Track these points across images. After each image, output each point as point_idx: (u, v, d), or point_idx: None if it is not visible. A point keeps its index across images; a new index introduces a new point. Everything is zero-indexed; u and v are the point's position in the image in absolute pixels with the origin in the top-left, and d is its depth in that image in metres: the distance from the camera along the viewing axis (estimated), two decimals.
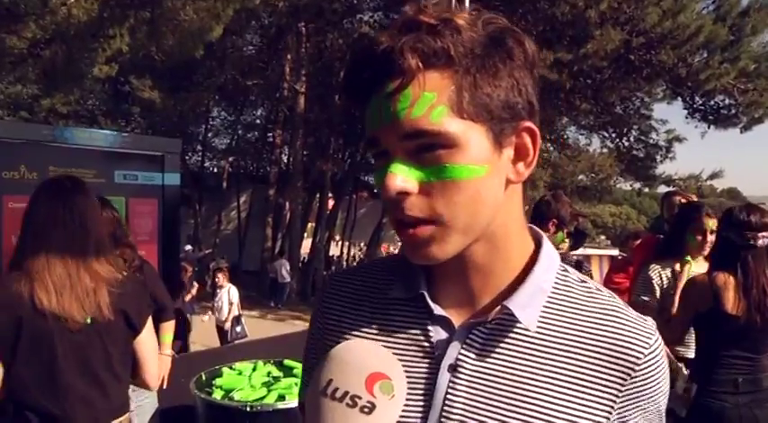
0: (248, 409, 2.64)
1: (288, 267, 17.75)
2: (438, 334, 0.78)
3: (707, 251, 3.21)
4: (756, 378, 2.66)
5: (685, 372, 2.92)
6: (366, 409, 0.69)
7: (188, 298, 8.21)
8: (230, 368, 3.18)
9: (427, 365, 0.77)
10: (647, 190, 23.17)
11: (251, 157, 25.81)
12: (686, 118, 16.91)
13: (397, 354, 0.78)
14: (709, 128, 16.66)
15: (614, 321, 0.77)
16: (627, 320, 0.78)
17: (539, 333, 0.76)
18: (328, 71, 18.43)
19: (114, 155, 4.02)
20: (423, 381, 0.76)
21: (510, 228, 0.78)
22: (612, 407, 0.75)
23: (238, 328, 8.24)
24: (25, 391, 1.89)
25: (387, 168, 0.71)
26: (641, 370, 0.75)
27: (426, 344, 0.78)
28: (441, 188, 0.70)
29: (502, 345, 0.76)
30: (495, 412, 0.74)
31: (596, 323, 0.77)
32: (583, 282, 0.81)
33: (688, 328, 2.93)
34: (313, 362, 0.89)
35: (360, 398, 0.70)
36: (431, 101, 0.69)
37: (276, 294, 17.65)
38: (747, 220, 2.67)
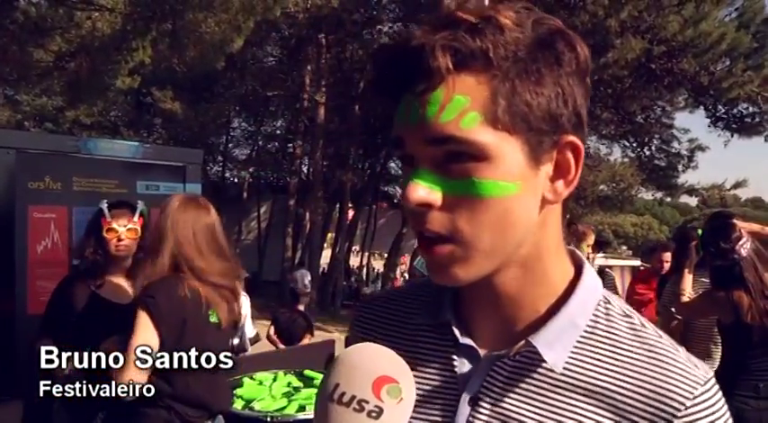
0: (269, 419, 2.64)
1: (309, 278, 17.73)
2: (462, 364, 0.73)
3: None
4: None
5: None
6: (374, 414, 0.67)
7: None
8: (251, 378, 3.18)
9: (450, 396, 0.73)
10: (668, 199, 22.91)
11: (271, 167, 25.88)
12: (709, 126, 16.74)
13: (421, 382, 0.74)
14: (732, 136, 16.45)
15: (655, 364, 0.68)
16: (670, 364, 0.68)
17: (566, 374, 0.69)
18: (348, 82, 18.51)
19: (137, 166, 4.05)
20: (444, 411, 0.73)
21: (545, 253, 0.70)
22: None
23: (236, 341, 8.16)
24: (185, 385, 2.13)
25: (411, 176, 0.65)
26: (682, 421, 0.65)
27: (449, 373, 0.74)
28: (466, 204, 0.64)
29: (524, 383, 0.70)
30: None
31: (634, 366, 0.68)
32: (627, 316, 0.72)
33: (692, 318, 3.28)
34: None
35: (367, 402, 0.66)
36: (462, 106, 0.62)
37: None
38: (722, 247, 2.83)
